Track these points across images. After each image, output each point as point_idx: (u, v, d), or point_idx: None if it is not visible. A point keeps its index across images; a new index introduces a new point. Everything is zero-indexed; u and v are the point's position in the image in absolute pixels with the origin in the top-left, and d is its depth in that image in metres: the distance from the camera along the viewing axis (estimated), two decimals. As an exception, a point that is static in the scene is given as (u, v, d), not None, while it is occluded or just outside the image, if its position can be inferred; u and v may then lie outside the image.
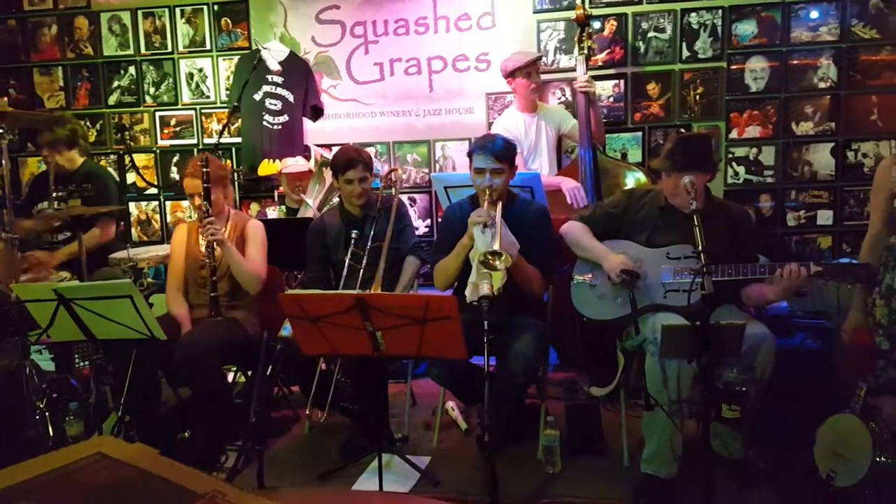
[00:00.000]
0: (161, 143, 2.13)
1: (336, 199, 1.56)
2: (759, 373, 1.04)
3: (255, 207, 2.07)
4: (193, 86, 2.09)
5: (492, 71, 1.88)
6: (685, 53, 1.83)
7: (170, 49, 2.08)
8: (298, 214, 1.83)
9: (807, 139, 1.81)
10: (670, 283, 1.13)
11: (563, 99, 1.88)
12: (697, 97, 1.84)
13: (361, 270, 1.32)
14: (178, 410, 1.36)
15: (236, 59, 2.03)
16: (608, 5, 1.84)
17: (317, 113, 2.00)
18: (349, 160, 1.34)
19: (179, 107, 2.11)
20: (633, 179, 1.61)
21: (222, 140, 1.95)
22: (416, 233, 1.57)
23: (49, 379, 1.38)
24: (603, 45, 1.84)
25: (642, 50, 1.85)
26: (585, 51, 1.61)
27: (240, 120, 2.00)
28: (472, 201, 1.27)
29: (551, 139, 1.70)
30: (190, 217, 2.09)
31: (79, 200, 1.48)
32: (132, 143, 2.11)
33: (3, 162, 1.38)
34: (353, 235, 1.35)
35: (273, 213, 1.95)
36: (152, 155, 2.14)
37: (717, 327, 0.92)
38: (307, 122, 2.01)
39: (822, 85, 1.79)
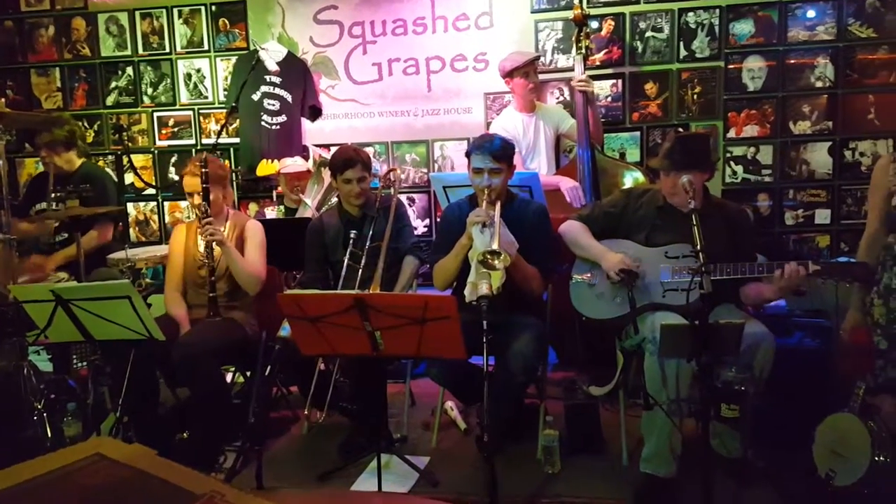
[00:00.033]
0: (159, 143, 2.13)
1: (335, 199, 1.56)
2: (757, 372, 1.05)
3: (253, 207, 2.07)
4: (191, 86, 2.09)
5: (490, 71, 1.88)
6: (683, 53, 1.83)
7: (167, 50, 2.08)
8: (297, 214, 1.83)
9: (804, 138, 1.82)
10: (669, 282, 1.13)
11: (561, 99, 1.89)
12: (695, 97, 1.84)
13: (360, 270, 1.33)
14: (177, 411, 1.36)
15: (234, 59, 2.03)
16: (606, 5, 1.84)
17: (315, 113, 2.00)
18: (347, 160, 1.34)
19: (177, 107, 2.10)
20: (632, 179, 1.61)
21: (220, 140, 1.96)
22: (415, 233, 1.58)
23: (47, 380, 1.38)
24: (601, 45, 1.85)
25: (640, 49, 1.85)
26: (583, 50, 1.61)
27: (238, 120, 2.00)
28: (470, 201, 1.27)
29: (549, 139, 1.70)
30: (188, 217, 2.09)
31: (77, 201, 1.48)
32: (130, 144, 2.11)
33: (1, 163, 1.38)
34: (352, 235, 1.35)
35: (272, 213, 1.95)
36: (150, 155, 2.14)
37: (716, 326, 0.92)
38: (305, 123, 2.01)
39: (819, 84, 1.79)
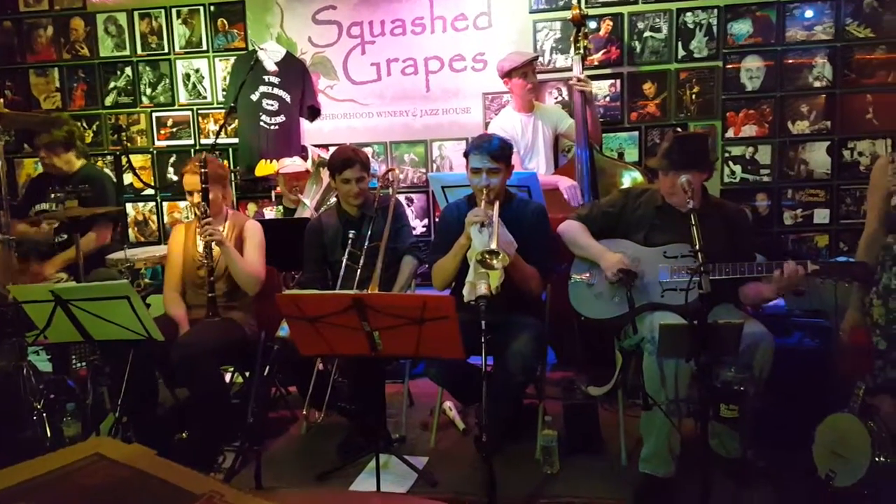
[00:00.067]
0: (158, 143, 2.13)
1: (333, 200, 1.56)
2: (757, 372, 1.04)
3: (252, 208, 2.07)
4: (190, 86, 2.09)
5: (488, 71, 1.88)
6: (681, 53, 1.84)
7: (166, 50, 2.08)
8: (296, 215, 1.82)
9: (803, 138, 1.82)
10: (668, 281, 1.13)
11: (559, 98, 1.89)
12: (693, 96, 1.84)
13: (359, 270, 1.33)
14: (176, 411, 1.36)
15: (233, 59, 2.03)
16: (604, 5, 1.85)
17: (314, 113, 2.01)
18: (346, 160, 1.34)
19: (176, 107, 2.10)
20: (630, 178, 1.61)
21: (219, 140, 1.96)
22: (414, 233, 1.57)
23: (46, 380, 1.38)
24: (599, 45, 1.85)
25: (638, 50, 1.85)
26: (581, 51, 1.61)
27: (237, 120, 2.00)
28: (469, 201, 1.27)
29: (548, 139, 1.70)
30: (187, 218, 2.09)
31: (76, 201, 1.48)
32: (129, 144, 2.11)
33: (0, 163, 1.38)
34: (351, 235, 1.35)
35: (270, 213, 1.95)
36: (149, 156, 2.14)
37: (715, 326, 0.92)
38: (304, 123, 2.01)
39: (817, 84, 1.80)
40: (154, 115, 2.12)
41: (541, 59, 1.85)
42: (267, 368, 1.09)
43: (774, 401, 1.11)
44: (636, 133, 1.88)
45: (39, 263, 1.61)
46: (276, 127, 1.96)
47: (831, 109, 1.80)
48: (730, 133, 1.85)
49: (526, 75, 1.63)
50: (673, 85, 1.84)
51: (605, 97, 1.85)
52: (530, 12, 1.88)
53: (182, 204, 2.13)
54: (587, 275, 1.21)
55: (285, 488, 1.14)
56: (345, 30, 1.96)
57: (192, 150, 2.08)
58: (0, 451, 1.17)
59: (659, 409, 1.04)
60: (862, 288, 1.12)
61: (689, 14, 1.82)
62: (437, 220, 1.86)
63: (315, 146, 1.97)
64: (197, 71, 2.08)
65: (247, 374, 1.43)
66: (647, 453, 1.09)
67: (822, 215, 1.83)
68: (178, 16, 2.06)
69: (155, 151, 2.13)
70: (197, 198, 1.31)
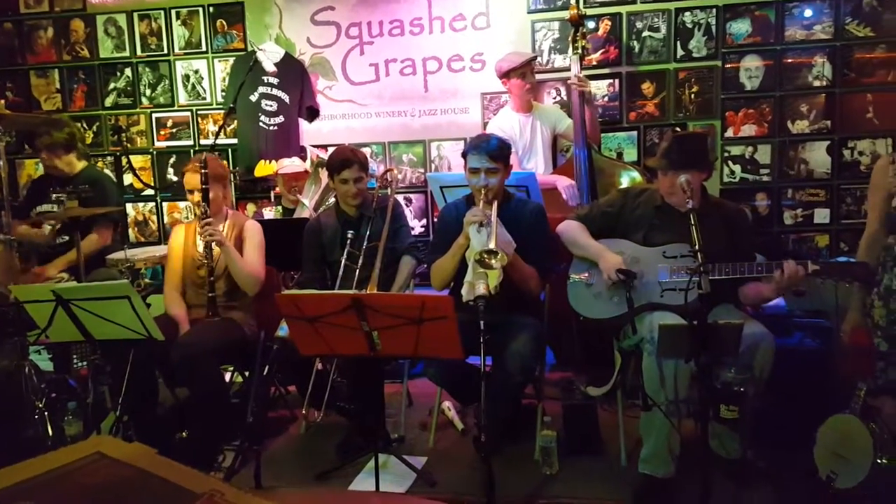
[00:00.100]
0: (157, 144, 2.13)
1: (332, 200, 1.56)
2: (757, 372, 1.04)
3: (251, 208, 2.07)
4: (189, 87, 2.09)
5: (487, 71, 1.88)
6: (679, 52, 1.83)
7: (166, 51, 2.09)
8: (295, 215, 1.83)
9: (803, 137, 1.81)
10: (667, 282, 1.13)
11: (557, 99, 1.89)
12: (692, 96, 1.84)
13: (357, 270, 1.33)
14: (176, 410, 1.36)
15: (232, 60, 2.04)
16: (602, 5, 1.84)
17: (312, 114, 2.01)
18: (344, 160, 1.35)
19: (176, 108, 2.11)
20: (629, 178, 1.61)
21: (219, 141, 1.97)
22: (412, 233, 1.57)
23: (48, 379, 1.39)
24: (597, 45, 1.85)
25: (637, 49, 1.85)
26: (579, 51, 1.61)
27: (236, 121, 2.01)
28: (467, 201, 1.27)
29: (546, 139, 1.70)
30: (187, 218, 2.10)
31: (76, 202, 1.48)
32: (129, 145, 2.12)
33: (1, 164, 1.39)
34: (350, 235, 1.35)
35: (269, 213, 1.95)
36: (149, 156, 2.14)
37: (715, 327, 0.92)
38: (303, 123, 2.02)
39: (816, 83, 1.79)
40: (154, 115, 2.12)
41: (539, 59, 1.85)
42: (266, 368, 1.10)
43: (775, 402, 1.10)
44: (635, 133, 1.87)
45: (41, 264, 1.62)
46: (275, 127, 1.97)
47: (831, 109, 1.79)
48: (729, 133, 1.84)
49: (524, 76, 1.63)
50: (672, 84, 1.84)
51: (603, 97, 1.85)
52: (528, 12, 1.88)
53: (182, 204, 2.13)
54: (586, 275, 1.21)
55: (285, 488, 1.14)
56: (343, 30, 1.97)
57: (192, 151, 2.08)
58: (2, 450, 1.17)
59: (658, 410, 1.04)
60: (863, 289, 1.12)
61: (687, 14, 1.82)
62: (435, 220, 1.85)
63: (314, 146, 1.97)
64: (196, 72, 2.08)
65: (246, 373, 1.43)
66: (646, 454, 1.09)
67: (822, 215, 1.82)
68: (178, 17, 2.07)
69: (155, 152, 2.14)
70: (197, 196, 1.31)
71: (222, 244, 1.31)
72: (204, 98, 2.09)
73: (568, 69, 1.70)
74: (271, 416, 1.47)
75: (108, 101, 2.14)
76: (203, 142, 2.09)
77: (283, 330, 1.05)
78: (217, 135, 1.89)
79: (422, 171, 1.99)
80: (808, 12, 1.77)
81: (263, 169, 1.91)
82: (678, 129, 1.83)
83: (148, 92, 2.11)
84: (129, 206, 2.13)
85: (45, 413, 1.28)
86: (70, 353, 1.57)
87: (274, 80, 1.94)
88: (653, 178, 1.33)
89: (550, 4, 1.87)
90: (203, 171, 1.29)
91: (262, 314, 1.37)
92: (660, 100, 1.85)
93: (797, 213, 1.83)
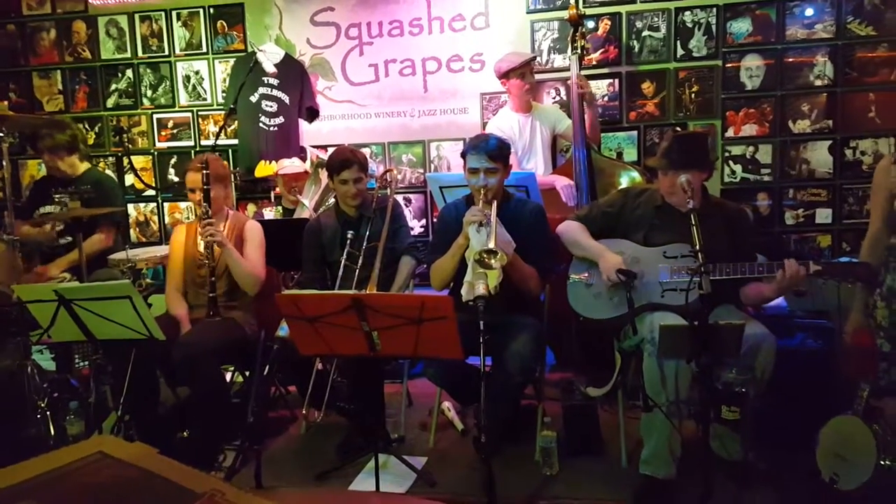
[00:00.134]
0: (158, 145, 2.14)
1: (332, 200, 1.56)
2: (759, 373, 1.04)
3: (251, 208, 2.08)
4: (190, 88, 2.10)
5: (486, 71, 1.89)
6: (680, 52, 1.83)
7: (167, 52, 2.10)
8: (295, 215, 1.83)
9: (804, 137, 1.81)
10: (668, 282, 1.12)
11: (557, 99, 1.89)
12: (693, 96, 1.84)
13: (357, 271, 1.33)
14: (177, 410, 1.36)
15: (232, 61, 2.04)
16: (602, 4, 1.84)
17: (312, 114, 2.01)
18: (344, 160, 1.35)
19: (176, 109, 2.12)
20: (628, 178, 1.61)
21: (219, 142, 1.97)
22: (412, 233, 1.58)
23: (50, 378, 1.39)
24: (597, 45, 1.84)
25: (637, 49, 1.85)
26: (579, 50, 1.61)
27: (236, 122, 2.02)
28: (467, 201, 1.27)
29: (546, 139, 1.70)
30: (188, 218, 2.11)
31: (78, 202, 1.49)
32: (130, 146, 2.13)
33: (4, 164, 1.40)
34: (349, 236, 1.35)
35: (270, 213, 1.96)
36: (150, 157, 2.15)
37: (716, 327, 0.92)
38: (303, 124, 2.02)
39: (818, 83, 1.79)
40: (155, 116, 2.13)
41: (538, 59, 1.84)
42: (267, 368, 1.10)
43: (776, 403, 1.10)
44: (635, 133, 1.87)
45: (43, 264, 1.63)
46: (276, 128, 1.97)
47: (833, 108, 1.78)
48: (730, 132, 1.84)
49: (524, 76, 1.63)
50: (672, 84, 1.83)
51: (603, 97, 1.85)
52: (528, 12, 1.88)
53: (183, 205, 2.14)
54: (586, 275, 1.21)
55: (285, 487, 1.14)
56: (343, 31, 1.97)
57: (193, 152, 2.09)
58: (4, 449, 1.17)
59: (659, 411, 1.03)
60: (865, 289, 1.12)
61: (687, 13, 1.81)
62: (434, 220, 1.84)
63: (314, 147, 1.98)
64: (197, 73, 2.09)
65: (247, 373, 1.43)
66: (647, 455, 1.09)
67: (824, 215, 1.81)
68: (178, 18, 2.08)
69: (156, 153, 2.15)
70: (199, 195, 1.32)
71: (223, 244, 1.31)
72: (204, 99, 2.10)
73: (567, 69, 1.70)
74: (272, 415, 1.47)
75: (110, 102, 2.15)
76: (204, 142, 2.09)
77: (283, 330, 1.05)
78: (217, 135, 1.90)
79: (421, 171, 1.99)
80: (809, 11, 1.77)
81: (263, 169, 1.92)
82: (678, 128, 1.82)
83: (149, 93, 2.12)
84: (130, 207, 2.14)
85: (48, 412, 1.28)
86: (72, 352, 1.57)
87: (274, 81, 1.94)
88: (653, 178, 1.32)
89: (550, 4, 1.87)
90: (205, 171, 1.30)
91: (262, 314, 1.37)
92: (660, 99, 1.85)
93: (799, 213, 1.82)
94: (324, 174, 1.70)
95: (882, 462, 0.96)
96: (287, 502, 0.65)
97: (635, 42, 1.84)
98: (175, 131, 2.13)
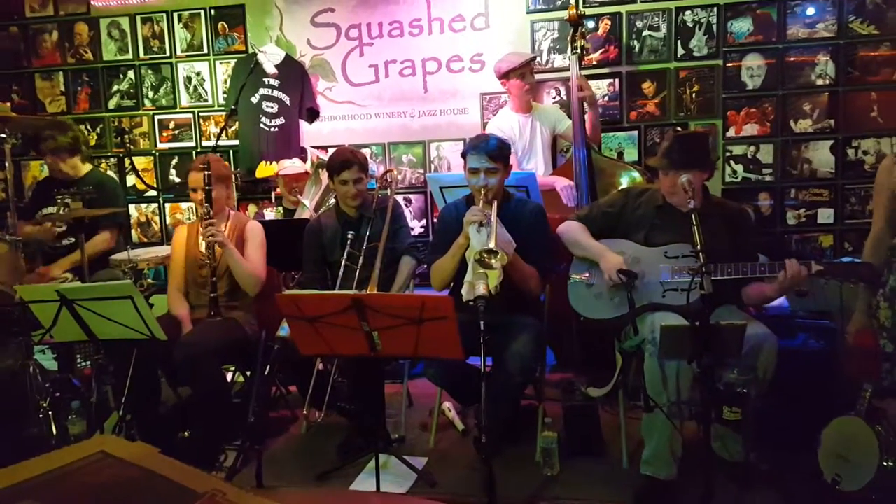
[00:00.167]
0: (160, 145, 2.15)
1: (332, 201, 1.56)
2: (760, 374, 1.03)
3: (252, 209, 2.08)
4: (191, 89, 2.11)
5: (486, 71, 1.89)
6: (680, 52, 1.83)
7: (168, 53, 2.11)
8: (295, 215, 1.84)
9: (806, 137, 1.80)
10: (669, 282, 1.12)
11: (557, 99, 1.89)
12: (693, 95, 1.83)
13: (358, 271, 1.33)
14: (179, 410, 1.37)
15: (233, 62, 2.05)
16: (602, 4, 1.84)
17: (313, 115, 2.02)
18: (344, 161, 1.35)
19: (178, 110, 2.13)
20: (629, 178, 1.60)
21: (220, 143, 1.98)
22: (412, 233, 1.58)
23: (52, 378, 1.40)
24: (597, 45, 1.84)
25: (637, 49, 1.84)
26: (579, 51, 1.61)
27: (237, 123, 2.02)
28: (467, 201, 1.27)
29: (546, 139, 1.70)
30: (189, 219, 2.12)
31: (80, 203, 1.50)
32: (132, 146, 2.14)
33: (7, 165, 1.41)
34: (350, 236, 1.36)
35: (270, 214, 1.97)
36: (151, 158, 2.16)
37: (718, 328, 0.92)
38: (303, 125, 2.03)
39: (820, 82, 1.78)
40: (156, 117, 2.14)
41: (538, 59, 1.84)
42: (268, 368, 1.10)
43: (778, 403, 1.10)
44: (635, 132, 1.87)
45: (45, 264, 1.64)
46: (276, 129, 1.98)
47: (834, 108, 1.78)
48: (731, 132, 1.83)
49: (524, 76, 1.63)
50: (672, 84, 1.83)
51: (603, 97, 1.85)
52: (528, 12, 1.88)
53: (184, 205, 2.15)
54: (586, 275, 1.21)
55: (286, 487, 1.15)
56: (343, 32, 1.97)
57: (194, 153, 2.10)
58: (6, 449, 1.18)
59: (660, 411, 1.03)
60: (868, 289, 1.11)
61: (688, 13, 1.81)
62: (435, 220, 1.84)
63: (314, 148, 1.98)
64: (198, 74, 2.10)
65: (248, 373, 1.43)
66: (648, 455, 1.08)
67: (826, 215, 1.80)
68: (180, 20, 2.08)
69: (157, 153, 2.16)
70: (200, 195, 1.32)
71: (224, 245, 1.31)
72: (206, 100, 2.10)
73: (567, 69, 1.70)
74: (272, 415, 1.48)
75: (112, 104, 2.16)
76: (205, 143, 2.10)
77: (284, 330, 1.05)
78: (219, 136, 1.90)
79: (421, 171, 1.99)
80: (810, 10, 1.76)
81: (264, 170, 1.92)
82: (679, 128, 1.82)
83: (150, 94, 2.13)
84: (132, 207, 2.15)
85: (49, 412, 1.29)
86: (74, 352, 1.58)
87: (275, 82, 1.95)
88: (654, 178, 1.32)
89: (550, 4, 1.87)
90: (207, 171, 1.30)
91: (263, 314, 1.38)
92: (660, 99, 1.84)
93: (800, 213, 1.82)
94: (324, 175, 1.71)
95: (885, 463, 0.95)
96: (288, 502, 0.65)
97: (636, 42, 1.84)
98: (176, 132, 2.14)
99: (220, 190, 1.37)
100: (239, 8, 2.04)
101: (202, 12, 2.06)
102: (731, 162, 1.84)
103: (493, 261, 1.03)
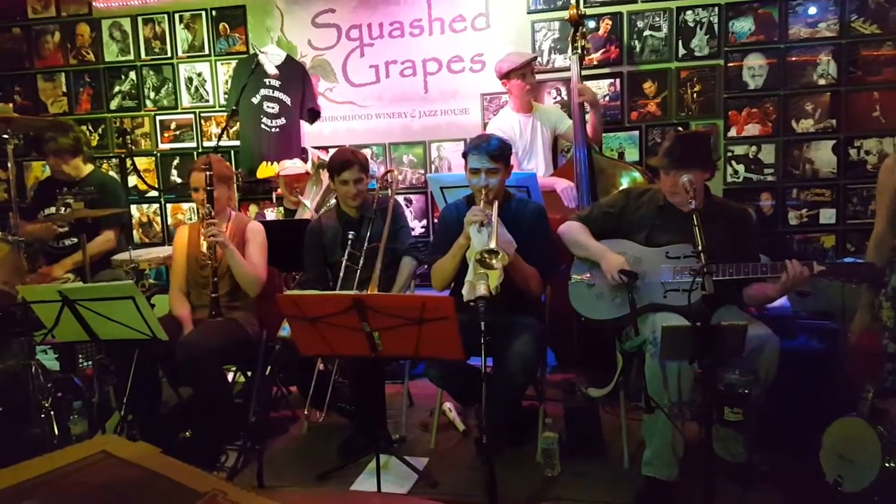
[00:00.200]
0: (161, 146, 2.16)
1: (333, 201, 1.57)
2: (762, 374, 1.03)
3: (253, 209, 2.09)
4: (193, 90, 2.11)
5: (486, 72, 1.89)
6: (681, 51, 1.82)
7: (169, 54, 2.11)
8: (296, 216, 1.84)
9: (807, 137, 1.80)
10: (670, 282, 1.12)
11: (558, 99, 1.89)
12: (695, 95, 1.83)
13: (358, 271, 1.33)
14: (180, 410, 1.37)
15: (234, 63, 2.06)
16: (603, 4, 1.84)
17: (313, 115, 2.02)
18: (344, 161, 1.35)
19: (179, 111, 2.13)
20: (629, 179, 1.60)
21: (221, 143, 1.98)
22: (413, 233, 1.58)
23: (54, 378, 1.40)
24: (598, 45, 1.84)
25: (638, 49, 1.84)
26: (579, 51, 1.61)
27: (238, 123, 2.03)
28: (468, 201, 1.27)
29: (547, 139, 1.70)
30: (190, 219, 2.13)
31: (82, 204, 1.50)
32: (133, 147, 2.15)
33: (9, 166, 1.41)
34: (350, 236, 1.36)
35: (271, 214, 1.97)
36: (153, 158, 2.17)
37: (719, 328, 0.91)
38: (304, 125, 2.03)
39: (821, 82, 1.77)
40: (158, 118, 2.15)
41: (539, 59, 1.84)
42: (268, 368, 1.11)
43: (780, 404, 1.09)
44: (636, 133, 1.86)
45: (48, 265, 1.65)
46: (277, 129, 1.98)
47: (836, 107, 1.77)
48: (732, 132, 1.83)
49: (524, 76, 1.63)
50: (674, 84, 1.83)
51: (604, 97, 1.84)
52: (528, 13, 1.88)
53: (185, 206, 2.16)
54: (587, 275, 1.20)
55: (287, 487, 1.14)
56: (344, 33, 1.98)
57: (195, 153, 2.10)
58: (8, 449, 1.19)
59: (661, 412, 1.03)
60: (871, 289, 1.11)
61: (689, 12, 1.81)
62: (435, 220, 1.86)
63: (315, 148, 1.98)
64: (199, 75, 2.10)
65: (249, 373, 1.44)
66: (649, 456, 1.08)
67: (827, 215, 1.80)
68: (181, 21, 2.09)
69: (158, 154, 2.16)
70: (202, 195, 1.32)
71: (225, 245, 1.32)
72: (207, 101, 2.11)
73: (568, 69, 1.70)
74: (273, 416, 1.48)
75: (113, 104, 2.17)
76: (206, 144, 2.11)
77: (285, 330, 1.05)
78: (220, 137, 1.89)
79: (422, 171, 1.99)
80: (812, 10, 1.76)
81: (265, 170, 1.93)
82: (680, 128, 1.82)
83: (152, 95, 2.14)
84: (133, 208, 2.15)
85: (51, 412, 1.29)
86: (76, 352, 1.59)
87: (276, 83, 1.95)
88: (655, 178, 1.32)
89: (550, 4, 1.86)
90: (208, 172, 1.31)
91: (264, 315, 1.38)
92: (661, 99, 1.84)
93: (802, 214, 1.81)
94: (325, 175, 1.71)
95: (887, 464, 0.95)
96: (289, 502, 0.66)
97: (636, 42, 1.84)
98: (178, 133, 2.14)
99: (222, 190, 1.37)
100: (240, 9, 2.05)
101: (203, 13, 2.07)
102: (733, 162, 1.84)
103: (493, 261, 1.03)
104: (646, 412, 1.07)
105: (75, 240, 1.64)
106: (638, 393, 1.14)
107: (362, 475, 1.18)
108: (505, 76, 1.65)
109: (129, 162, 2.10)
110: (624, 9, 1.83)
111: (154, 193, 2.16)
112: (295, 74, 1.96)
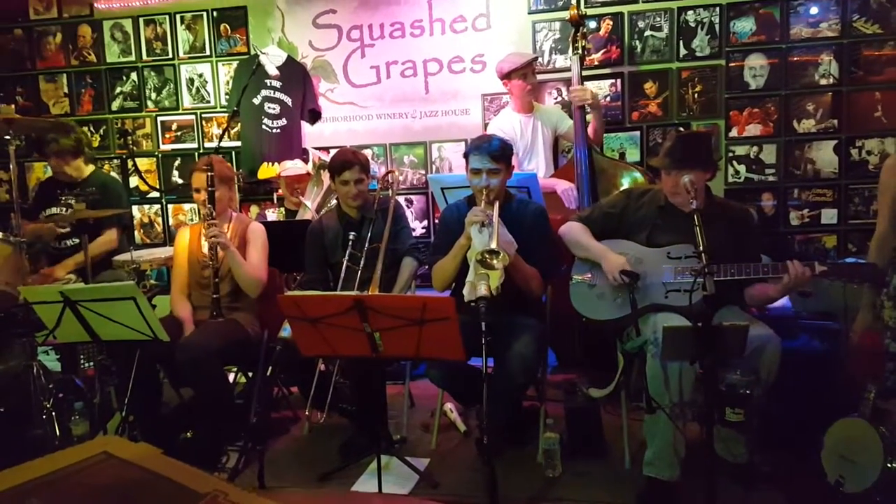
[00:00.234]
0: (163, 147, 2.16)
1: (334, 202, 1.57)
2: (763, 375, 1.03)
3: (254, 210, 2.09)
4: (194, 91, 2.12)
5: (487, 72, 1.89)
6: (682, 52, 1.82)
7: (170, 55, 2.12)
8: (297, 217, 1.84)
9: (809, 137, 1.79)
10: (671, 282, 1.12)
11: (559, 99, 1.89)
12: (696, 95, 1.83)
13: (359, 272, 1.33)
14: (181, 411, 1.37)
15: (235, 64, 2.06)
16: (604, 4, 1.84)
17: (314, 116, 2.02)
18: (345, 161, 1.36)
19: (180, 112, 2.14)
20: (630, 179, 1.60)
21: (222, 144, 1.98)
22: (413, 234, 1.57)
23: (55, 379, 1.41)
24: (599, 45, 1.84)
25: (639, 49, 1.84)
26: (580, 51, 1.61)
27: (239, 124, 2.03)
28: (468, 202, 1.27)
29: (547, 139, 1.70)
30: (192, 220, 2.13)
31: (84, 204, 1.50)
32: (135, 148, 2.15)
33: (11, 167, 1.41)
34: (351, 237, 1.36)
35: (272, 215, 1.97)
36: (154, 159, 2.17)
37: (720, 328, 0.91)
38: (305, 126, 2.03)
39: (823, 82, 1.77)
40: (159, 119, 2.15)
41: (540, 59, 1.84)
42: (269, 369, 1.11)
43: (781, 404, 1.09)
44: (637, 133, 1.86)
45: (49, 265, 1.65)
46: (278, 130, 1.99)
47: (838, 107, 1.77)
48: (733, 132, 1.83)
49: (525, 76, 1.63)
50: (675, 84, 1.83)
51: (605, 97, 1.84)
52: (529, 13, 1.88)
53: (187, 206, 2.16)
54: (588, 275, 1.20)
55: (288, 488, 1.15)
56: (345, 33, 1.98)
57: (197, 154, 2.11)
58: (10, 449, 1.19)
59: (663, 413, 1.03)
60: (872, 289, 1.11)
61: (690, 12, 1.81)
62: (436, 221, 1.86)
63: (316, 149, 1.99)
64: (200, 75, 2.11)
65: (250, 374, 1.44)
66: (650, 456, 1.08)
67: (829, 215, 1.80)
68: (182, 22, 2.09)
69: (160, 155, 2.17)
70: (203, 195, 1.33)
71: (226, 247, 1.32)
72: (208, 101, 2.11)
73: (569, 69, 1.70)
74: (274, 416, 1.48)
75: (115, 105, 2.17)
76: (207, 145, 2.11)
77: (285, 331, 1.06)
78: (221, 138, 1.89)
79: (423, 172, 1.99)
80: (813, 10, 1.75)
81: (266, 171, 1.93)
82: (681, 128, 1.82)
83: (153, 96, 2.14)
84: (134, 209, 2.16)
85: (53, 413, 1.29)
86: (77, 353, 1.59)
87: (276, 84, 1.96)
88: (656, 179, 1.32)
89: (551, 5, 1.86)
90: (209, 173, 1.31)
91: (265, 315, 1.38)
92: (663, 99, 1.84)
93: (804, 214, 1.81)
94: (326, 176, 1.71)
95: (889, 465, 0.95)
96: (290, 503, 0.66)
97: (637, 42, 1.83)
98: (179, 134, 2.14)
99: (223, 191, 1.37)
100: (241, 10, 2.05)
101: (204, 14, 2.07)
102: (734, 162, 1.84)
103: (494, 261, 1.03)
104: (647, 412, 1.07)
105: (77, 240, 1.64)
106: (639, 393, 1.13)
107: (363, 476, 1.19)
108: (506, 76, 1.65)
109: (130, 163, 2.12)
110: (625, 9, 1.83)
111: (155, 194, 2.17)
112: (296, 75, 1.97)
